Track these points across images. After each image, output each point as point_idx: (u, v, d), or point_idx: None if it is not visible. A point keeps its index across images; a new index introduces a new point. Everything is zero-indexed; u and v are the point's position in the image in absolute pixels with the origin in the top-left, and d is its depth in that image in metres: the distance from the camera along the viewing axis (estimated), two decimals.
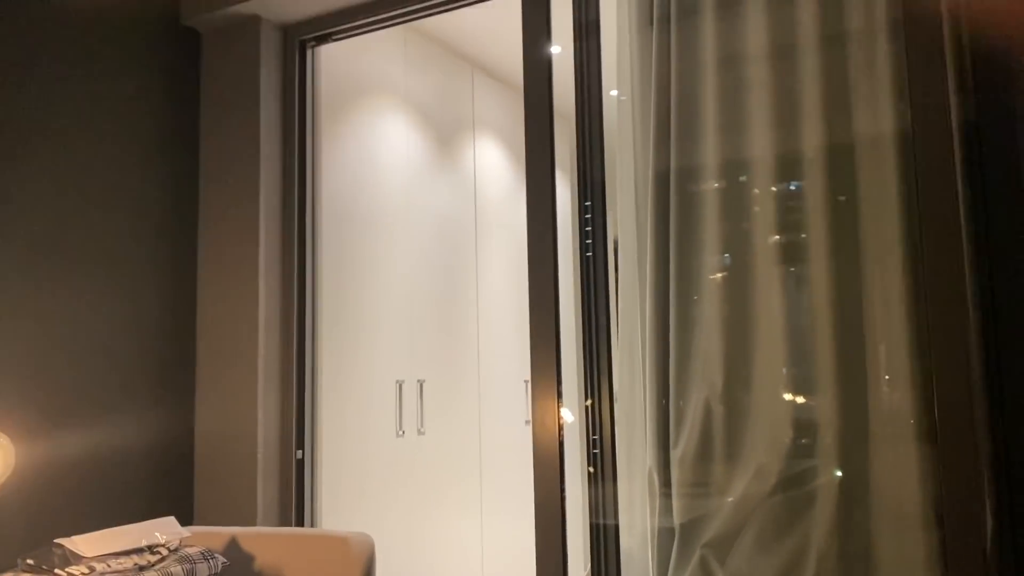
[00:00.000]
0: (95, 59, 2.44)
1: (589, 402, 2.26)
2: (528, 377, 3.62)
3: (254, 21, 2.64)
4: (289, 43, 2.74)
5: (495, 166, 3.59)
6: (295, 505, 2.44)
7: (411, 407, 2.91)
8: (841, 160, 1.97)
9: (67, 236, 2.32)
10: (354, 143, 2.85)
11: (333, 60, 2.81)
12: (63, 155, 2.33)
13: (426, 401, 2.96)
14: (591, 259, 2.34)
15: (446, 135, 3.30)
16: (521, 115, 3.85)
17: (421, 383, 2.95)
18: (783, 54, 2.09)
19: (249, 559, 1.92)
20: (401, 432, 2.84)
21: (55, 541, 1.69)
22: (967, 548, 1.62)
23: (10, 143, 2.21)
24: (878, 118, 1.95)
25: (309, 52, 2.79)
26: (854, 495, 1.86)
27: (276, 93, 2.67)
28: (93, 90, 2.42)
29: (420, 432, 2.92)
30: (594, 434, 2.23)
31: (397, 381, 2.87)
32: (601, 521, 2.18)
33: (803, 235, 1.99)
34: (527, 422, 3.52)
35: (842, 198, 1.96)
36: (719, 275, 2.09)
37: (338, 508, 2.56)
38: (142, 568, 1.67)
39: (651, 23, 2.27)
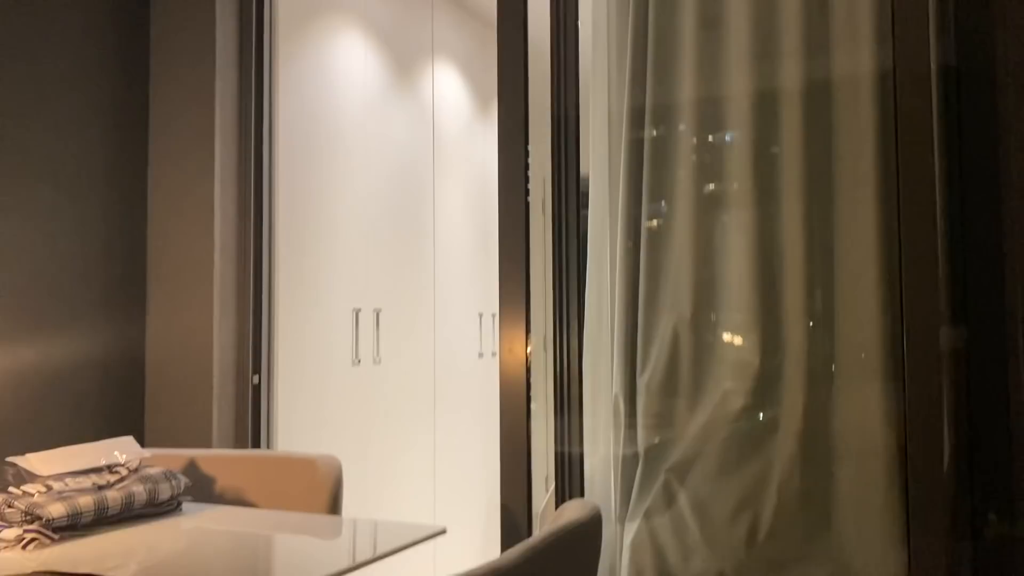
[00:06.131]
0: None
1: (554, 332, 2.26)
2: (482, 310, 3.60)
3: None
4: None
5: (454, 95, 3.50)
6: (251, 431, 2.38)
7: (367, 336, 2.86)
8: (818, 98, 1.97)
9: (5, 148, 2.16)
10: (312, 62, 2.73)
11: None
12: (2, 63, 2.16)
13: (382, 331, 2.91)
14: (562, 192, 2.31)
15: (404, 60, 3.20)
16: (480, 43, 3.75)
17: (378, 312, 2.90)
18: None
19: (210, 481, 1.87)
20: (357, 360, 2.80)
21: (7, 460, 1.61)
22: (929, 480, 1.68)
23: None
24: (857, 56, 1.95)
25: None
26: (817, 425, 1.90)
27: (232, 4, 2.52)
28: None
29: (376, 361, 2.88)
30: (560, 364, 2.23)
31: (354, 309, 2.81)
32: (566, 448, 2.20)
33: (778, 171, 1.99)
34: (480, 355, 3.51)
35: (818, 136, 1.97)
36: (691, 207, 2.09)
37: (293, 436, 2.51)
38: (101, 487, 1.61)
39: None
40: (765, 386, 1.96)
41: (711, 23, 2.11)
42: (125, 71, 2.49)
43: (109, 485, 1.61)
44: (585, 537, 1.24)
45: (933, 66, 1.79)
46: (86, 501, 1.54)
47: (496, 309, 3.66)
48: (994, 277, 1.76)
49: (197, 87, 2.45)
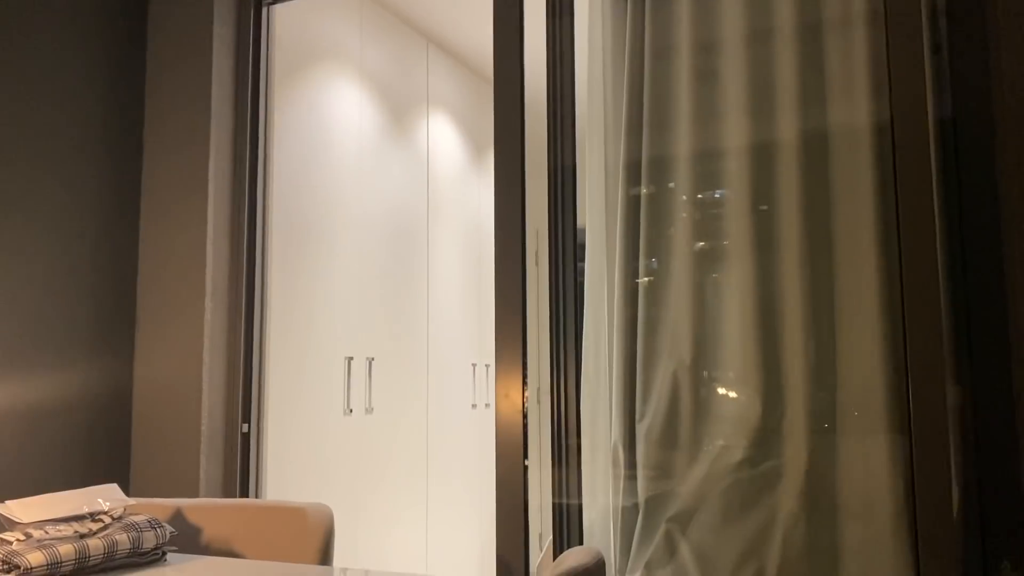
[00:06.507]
0: (31, 5, 2.27)
1: (553, 382, 2.23)
2: (475, 361, 3.56)
3: None
4: None
5: (448, 144, 3.51)
6: (240, 481, 2.32)
7: (360, 385, 2.81)
8: (816, 152, 1.97)
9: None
10: (307, 110, 2.73)
11: (288, 22, 2.70)
12: None
13: (375, 379, 2.86)
14: (559, 243, 2.30)
15: (400, 109, 3.22)
16: (475, 94, 3.78)
17: (370, 361, 2.86)
18: (759, 40, 2.09)
19: (197, 531, 1.80)
20: (349, 410, 2.74)
21: None
22: (939, 540, 1.64)
23: None
24: (854, 110, 1.96)
25: (265, 10, 2.66)
26: (822, 475, 1.86)
27: (228, 50, 2.54)
28: (28, 36, 2.25)
29: (368, 410, 2.82)
30: (558, 415, 2.19)
31: (346, 358, 2.77)
32: (563, 500, 2.14)
33: (777, 224, 1.98)
34: (473, 406, 3.45)
35: (815, 189, 1.96)
36: (689, 259, 2.07)
37: (283, 486, 2.44)
38: (83, 536, 1.54)
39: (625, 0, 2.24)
40: (768, 434, 1.93)
41: (707, 76, 2.13)
42: (119, 113, 2.48)
43: (91, 533, 1.55)
44: None
45: (931, 119, 1.80)
46: (67, 549, 1.47)
47: (489, 360, 3.62)
48: (998, 328, 1.74)
49: (191, 131, 2.45)
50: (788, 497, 1.87)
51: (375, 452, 2.89)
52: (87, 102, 2.39)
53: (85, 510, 1.59)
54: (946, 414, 1.69)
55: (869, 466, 1.83)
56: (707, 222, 2.09)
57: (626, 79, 2.19)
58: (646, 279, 2.12)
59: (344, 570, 1.71)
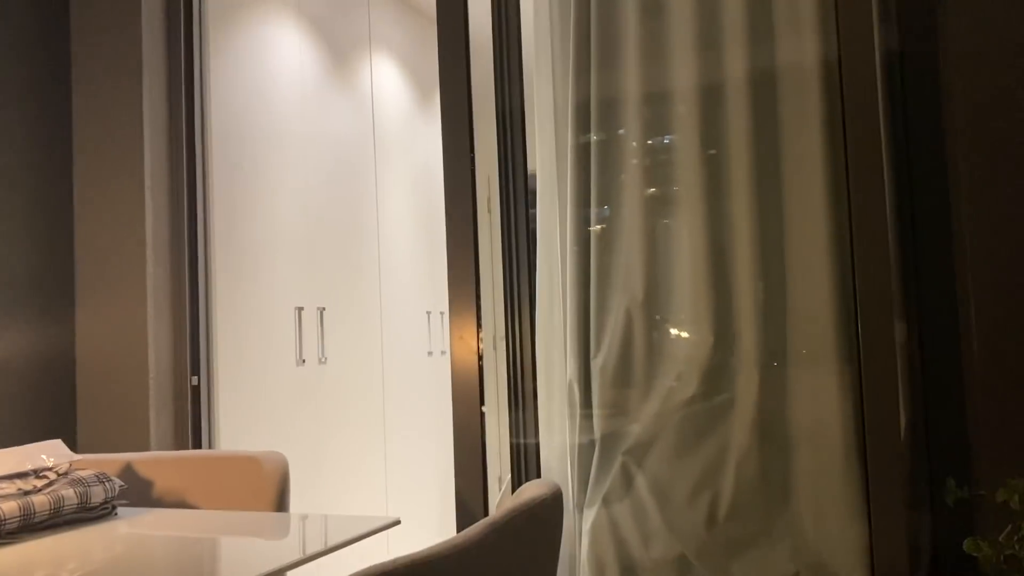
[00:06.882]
0: None
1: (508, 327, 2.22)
2: (430, 308, 3.53)
3: None
4: None
5: (393, 87, 3.43)
6: (191, 434, 2.28)
7: (312, 335, 2.77)
8: (764, 90, 1.95)
9: None
10: (244, 53, 2.63)
11: None
12: None
13: (327, 329, 2.82)
14: (510, 185, 2.27)
15: (341, 52, 3.12)
16: (418, 34, 3.69)
17: (321, 310, 2.81)
18: None
19: (148, 484, 1.77)
20: (302, 360, 2.70)
21: None
22: (886, 462, 1.68)
23: None
24: (801, 44, 1.94)
25: None
26: (773, 405, 1.89)
27: None
28: None
29: (322, 361, 2.79)
30: (513, 359, 2.18)
31: (296, 308, 2.72)
32: (521, 441, 2.15)
33: (726, 163, 1.97)
34: (429, 353, 3.44)
35: (764, 129, 1.94)
36: (639, 201, 2.05)
37: (237, 438, 2.41)
38: (28, 493, 1.50)
39: None
40: (720, 369, 1.94)
41: (654, 12, 2.08)
42: (45, 67, 2.37)
43: (36, 490, 1.51)
44: (547, 514, 1.19)
45: (877, 52, 1.79)
46: (10, 507, 1.43)
47: (445, 308, 3.59)
48: (944, 262, 1.76)
49: (124, 80, 2.35)
50: (740, 429, 1.89)
51: (331, 401, 2.86)
52: (10, 56, 2.26)
53: (28, 467, 1.55)
54: (894, 341, 1.72)
55: (818, 397, 1.86)
56: (657, 168, 2.07)
57: (572, 16, 2.14)
58: (598, 226, 2.10)
59: (303, 516, 1.70)
